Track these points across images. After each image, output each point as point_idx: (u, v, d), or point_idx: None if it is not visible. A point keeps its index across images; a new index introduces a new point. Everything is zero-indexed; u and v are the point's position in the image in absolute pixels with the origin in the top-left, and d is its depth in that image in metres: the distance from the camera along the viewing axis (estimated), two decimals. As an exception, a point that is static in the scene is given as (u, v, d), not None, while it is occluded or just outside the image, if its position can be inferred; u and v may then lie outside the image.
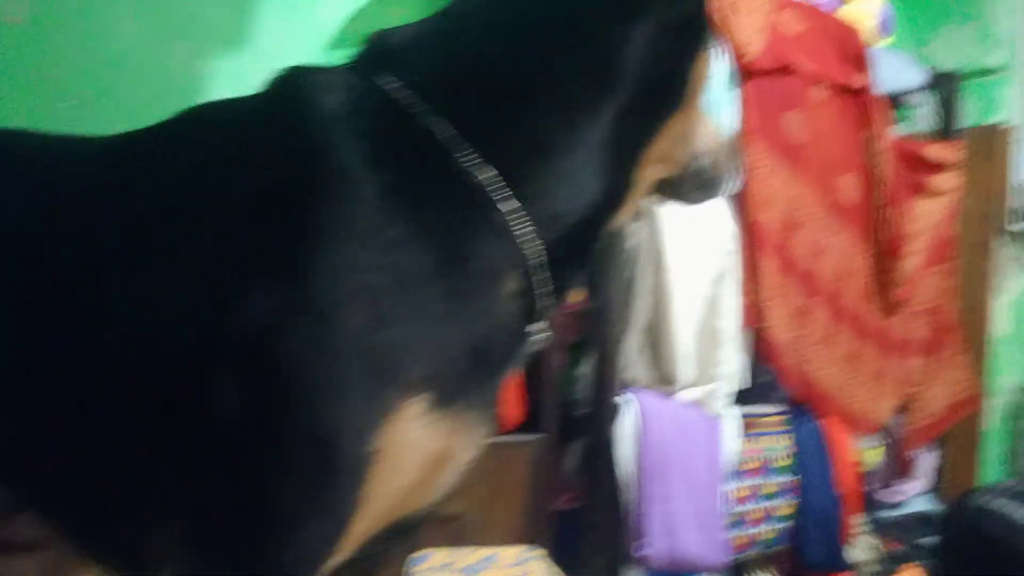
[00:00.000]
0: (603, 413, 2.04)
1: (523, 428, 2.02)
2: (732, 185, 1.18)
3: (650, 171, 1.05)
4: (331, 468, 0.79)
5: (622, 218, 1.04)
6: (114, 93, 1.75)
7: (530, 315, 0.94)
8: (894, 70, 2.78)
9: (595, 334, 2.08)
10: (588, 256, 1.02)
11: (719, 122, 1.18)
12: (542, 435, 2.03)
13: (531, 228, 0.90)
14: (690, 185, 1.12)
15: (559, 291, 0.96)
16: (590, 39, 0.94)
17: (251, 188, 0.83)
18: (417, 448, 0.84)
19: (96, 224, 0.84)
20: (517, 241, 0.89)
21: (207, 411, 0.78)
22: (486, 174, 0.87)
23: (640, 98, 0.96)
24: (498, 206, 0.88)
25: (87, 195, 0.86)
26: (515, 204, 0.88)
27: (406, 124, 0.88)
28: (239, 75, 1.89)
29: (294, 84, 0.91)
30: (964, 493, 1.79)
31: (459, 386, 0.86)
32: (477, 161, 0.87)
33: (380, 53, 0.94)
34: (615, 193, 0.98)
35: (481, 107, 0.90)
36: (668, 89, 1.00)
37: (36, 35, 1.66)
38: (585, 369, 2.12)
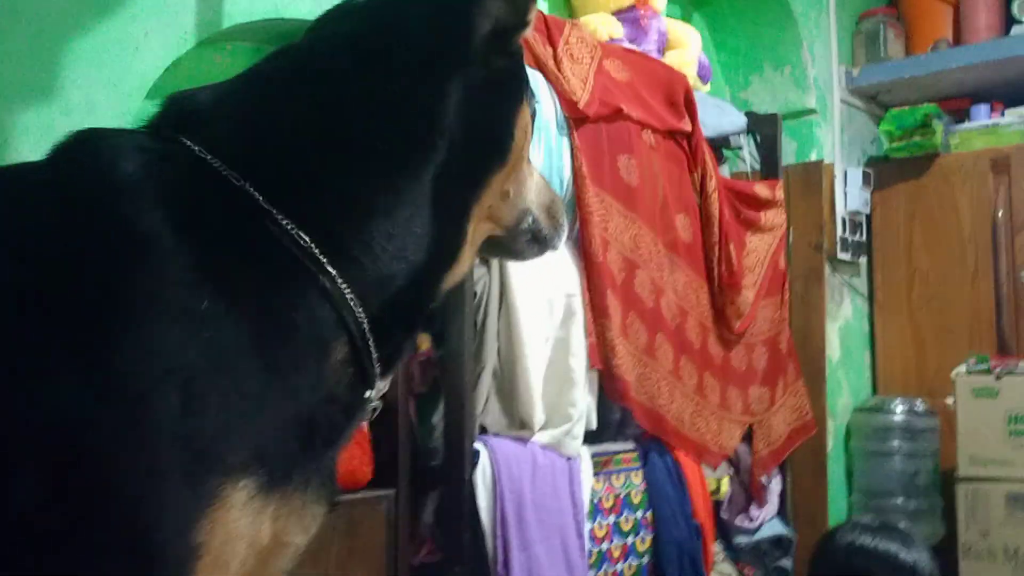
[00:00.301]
0: (457, 462, 1.99)
1: (374, 483, 1.94)
2: (562, 241, 1.18)
3: (482, 228, 1.04)
4: (149, 567, 0.71)
5: (458, 275, 1.01)
6: (-95, 153, 1.61)
7: (362, 383, 0.89)
8: (715, 114, 2.91)
9: (445, 382, 2.05)
10: (422, 317, 0.98)
11: (546, 176, 1.18)
12: (395, 489, 1.96)
13: (355, 294, 0.85)
14: (522, 241, 1.11)
15: (393, 355, 0.93)
16: (404, 98, 0.92)
17: (40, 265, 0.75)
18: (244, 538, 0.77)
19: None
20: (341, 309, 0.85)
21: (2, 511, 0.69)
22: (302, 241, 0.83)
23: (463, 155, 0.94)
24: (317, 273, 0.83)
25: None
26: (335, 270, 0.84)
27: (213, 189, 0.82)
28: (46, 130, 1.77)
29: (83, 148, 0.84)
30: (828, 533, 1.84)
31: (286, 467, 0.80)
32: (291, 228, 0.82)
33: (179, 115, 0.89)
34: (447, 252, 0.96)
35: (291, 171, 0.86)
36: (491, 145, 0.99)
37: None
38: (437, 418, 2.08)
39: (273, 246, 0.82)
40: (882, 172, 3.84)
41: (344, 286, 0.84)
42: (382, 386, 0.93)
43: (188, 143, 0.84)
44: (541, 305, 2.15)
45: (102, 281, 0.74)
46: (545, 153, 2.21)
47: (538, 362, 2.13)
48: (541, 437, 2.13)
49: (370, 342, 0.87)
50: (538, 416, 2.11)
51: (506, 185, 1.03)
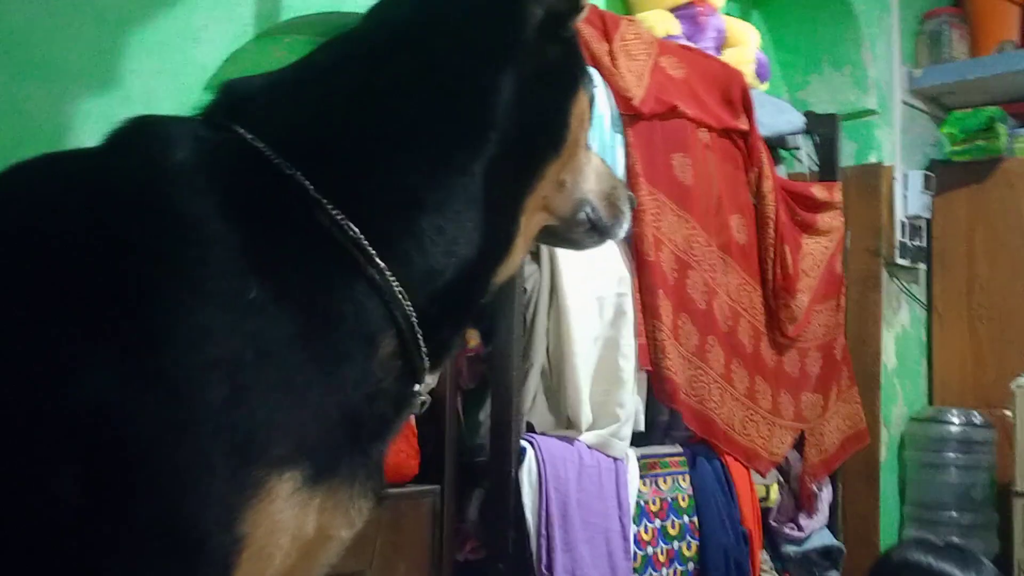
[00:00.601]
0: (503, 459, 1.98)
1: (420, 478, 1.94)
2: (623, 230, 1.14)
3: (537, 218, 1.02)
4: (191, 560, 0.70)
5: (511, 268, 0.99)
6: (-30, 138, 1.64)
7: (410, 376, 0.88)
8: (772, 113, 2.86)
9: (493, 378, 2.03)
10: (471, 311, 0.97)
11: (609, 166, 1.15)
12: (440, 485, 1.96)
13: (403, 287, 0.84)
14: (579, 230, 1.09)
15: (442, 348, 0.91)
16: (455, 89, 0.91)
17: (91, 248, 0.74)
18: (288, 531, 0.76)
19: None
20: (389, 301, 0.83)
21: (44, 504, 0.69)
22: (352, 232, 0.82)
23: (515, 146, 0.92)
24: (366, 265, 0.82)
25: None
26: (383, 263, 0.83)
27: (264, 178, 0.81)
28: (106, 119, 1.75)
29: (138, 135, 0.84)
30: (888, 550, 1.80)
31: (332, 460, 0.79)
32: (341, 219, 0.82)
33: (232, 103, 0.88)
34: (497, 245, 0.94)
35: (341, 161, 0.85)
36: (544, 135, 0.97)
37: None
38: (484, 415, 2.07)
39: (322, 236, 0.81)
40: (943, 176, 3.75)
41: (392, 278, 0.83)
42: (431, 380, 0.91)
43: (240, 131, 0.83)
44: (591, 304, 2.13)
45: (151, 267, 0.74)
46: (598, 150, 2.18)
47: (587, 361, 2.11)
48: (588, 437, 2.11)
49: (419, 335, 0.86)
50: (585, 416, 2.09)
51: (562, 175, 1.01)
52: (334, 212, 0.81)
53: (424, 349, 0.87)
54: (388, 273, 0.83)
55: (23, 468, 0.69)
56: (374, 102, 0.88)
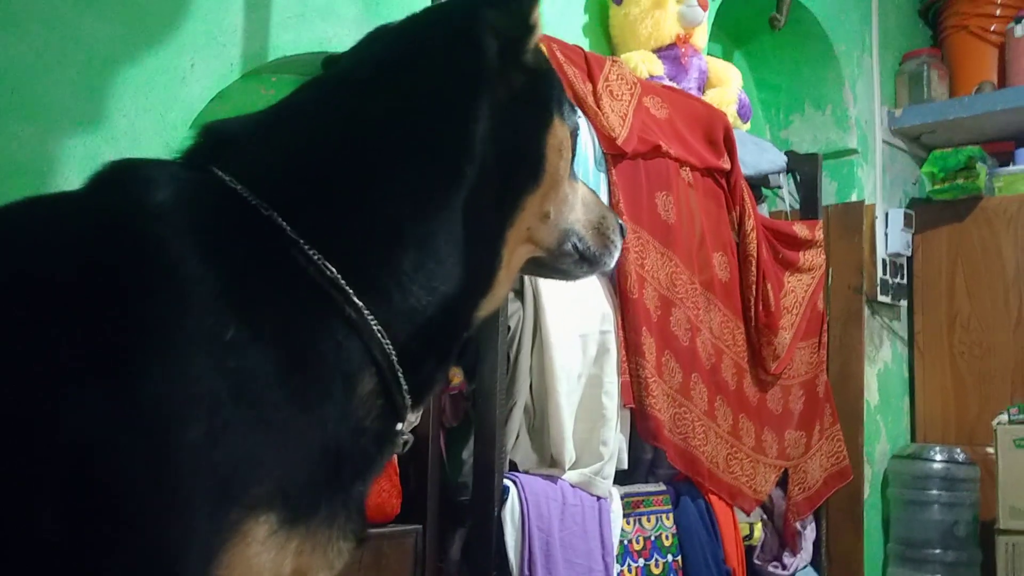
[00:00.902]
0: (486, 498, 1.97)
1: (402, 518, 1.93)
2: (613, 259, 1.14)
3: (521, 250, 1.02)
4: None
5: (494, 302, 1.00)
6: (-46, 176, 1.64)
7: (392, 415, 0.88)
8: (755, 153, 2.89)
9: (476, 416, 2.03)
10: (454, 347, 0.97)
11: (597, 195, 1.15)
12: (423, 524, 1.95)
13: (382, 324, 0.84)
14: (568, 261, 1.08)
15: (425, 386, 0.91)
16: (426, 124, 0.92)
17: (71, 288, 0.74)
18: (266, 573, 0.76)
19: None
20: (368, 340, 0.84)
21: (21, 541, 0.68)
22: (328, 272, 0.82)
23: (492, 178, 0.93)
24: (344, 304, 0.83)
25: None
26: (361, 301, 0.83)
27: (242, 219, 0.82)
28: (91, 158, 1.79)
29: (119, 177, 0.85)
30: None
31: (311, 500, 0.79)
32: (318, 258, 0.82)
33: (212, 146, 0.90)
34: (479, 280, 0.94)
35: (317, 201, 0.86)
36: (521, 166, 0.97)
37: None
38: (467, 453, 2.06)
39: (299, 276, 0.82)
40: (924, 214, 3.80)
41: (371, 316, 0.84)
42: (413, 418, 0.91)
43: (219, 173, 0.84)
44: (575, 341, 2.13)
45: (130, 306, 0.74)
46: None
47: (570, 399, 2.11)
48: (571, 476, 2.10)
49: (399, 373, 0.86)
50: (569, 454, 2.09)
51: (544, 206, 1.01)
52: (311, 251, 0.82)
53: (405, 387, 0.87)
54: (366, 311, 0.83)
55: (5, 502, 0.68)
56: (347, 141, 0.89)
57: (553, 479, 2.08)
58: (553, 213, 1.03)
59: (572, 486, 2.10)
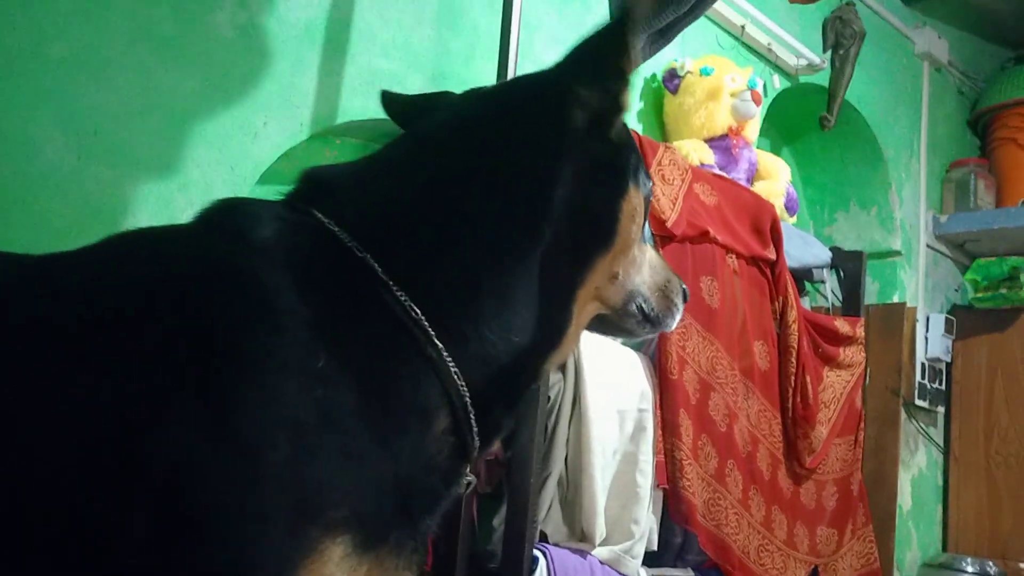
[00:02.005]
0: (515, 567, 1.97)
1: (430, 580, 1.93)
2: (675, 321, 1.18)
3: (589, 308, 1.07)
4: None
5: (562, 355, 1.04)
6: (34, 213, 1.72)
7: (461, 456, 0.92)
8: (800, 246, 2.92)
9: (510, 484, 2.04)
10: (522, 395, 1.01)
11: (662, 258, 1.20)
12: (450, 589, 1.95)
13: (459, 367, 0.89)
14: (631, 321, 1.14)
15: (490, 432, 0.95)
16: (511, 185, 0.98)
17: (175, 314, 0.80)
18: None
19: (8, 341, 0.79)
20: (445, 380, 0.89)
21: (115, 548, 0.73)
22: (414, 313, 0.88)
23: (568, 239, 0.99)
24: (426, 344, 0.88)
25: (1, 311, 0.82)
26: (442, 343, 0.88)
27: (337, 258, 0.88)
28: (164, 203, 1.87)
29: (226, 214, 0.92)
30: None
31: (382, 528, 0.82)
32: (405, 300, 0.88)
33: (312, 190, 0.96)
34: (550, 333, 0.99)
35: (409, 248, 0.92)
36: (596, 230, 1.03)
37: (-42, 147, 1.63)
38: (498, 521, 2.07)
39: (387, 315, 0.87)
40: (965, 321, 3.78)
41: (449, 359, 0.88)
42: (471, 466, 0.95)
43: (318, 215, 0.90)
44: (613, 416, 2.15)
45: (229, 333, 0.79)
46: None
47: (604, 474, 2.12)
48: (601, 552, 2.10)
49: (471, 415, 0.90)
50: (600, 529, 2.09)
51: (614, 268, 1.06)
52: (399, 294, 0.88)
53: (476, 428, 0.91)
54: (445, 353, 0.88)
55: (100, 508, 0.73)
56: (438, 195, 0.95)
57: (583, 553, 2.07)
58: (621, 275, 1.08)
59: (601, 563, 2.09)
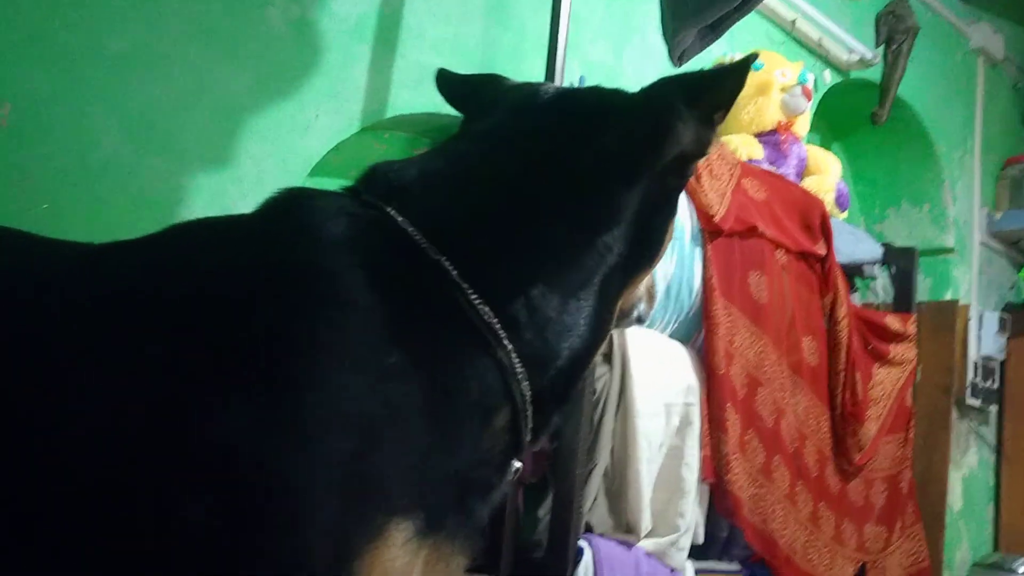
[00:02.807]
0: (560, 557, 1.98)
1: (475, 567, 1.95)
2: (647, 316, 1.26)
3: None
4: None
5: (597, 355, 1.08)
6: (91, 202, 1.76)
7: (515, 449, 0.94)
8: (850, 242, 2.89)
9: (556, 475, 2.05)
10: (572, 394, 1.04)
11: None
12: (496, 577, 1.96)
13: (524, 368, 0.92)
14: (627, 321, 1.20)
15: (541, 427, 0.97)
16: (589, 201, 1.00)
17: (245, 304, 0.82)
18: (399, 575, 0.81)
19: (74, 325, 0.81)
20: (509, 380, 0.91)
21: (179, 532, 0.74)
22: (486, 316, 0.90)
23: (626, 255, 1.03)
24: (495, 346, 0.90)
25: (67, 297, 0.84)
26: (511, 345, 0.91)
27: (410, 258, 0.90)
28: (217, 195, 1.91)
29: (294, 204, 0.93)
30: None
31: (440, 516, 0.84)
32: (479, 302, 0.90)
33: (382, 184, 0.96)
34: (599, 337, 1.03)
35: (483, 251, 0.93)
36: (648, 249, 1.08)
37: (17, 138, 1.67)
38: (543, 511, 2.08)
39: (459, 316, 0.89)
40: (1019, 319, 3.71)
41: (516, 360, 0.91)
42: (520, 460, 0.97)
43: (392, 212, 0.91)
44: (659, 410, 2.15)
45: (301, 327, 0.81)
46: (677, 262, 2.25)
47: (650, 467, 2.12)
48: (646, 544, 2.10)
49: (529, 413, 0.93)
50: (645, 522, 2.09)
51: (643, 280, 1.14)
52: (472, 296, 0.89)
53: (531, 425, 0.93)
54: (514, 355, 0.91)
55: (163, 492, 0.75)
56: (515, 203, 0.97)
57: (628, 545, 2.07)
58: (639, 284, 1.15)
59: (647, 554, 2.09)
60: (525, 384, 0.91)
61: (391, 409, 0.81)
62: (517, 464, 0.96)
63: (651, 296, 1.24)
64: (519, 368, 0.91)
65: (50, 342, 0.80)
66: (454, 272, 0.89)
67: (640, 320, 1.23)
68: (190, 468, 0.75)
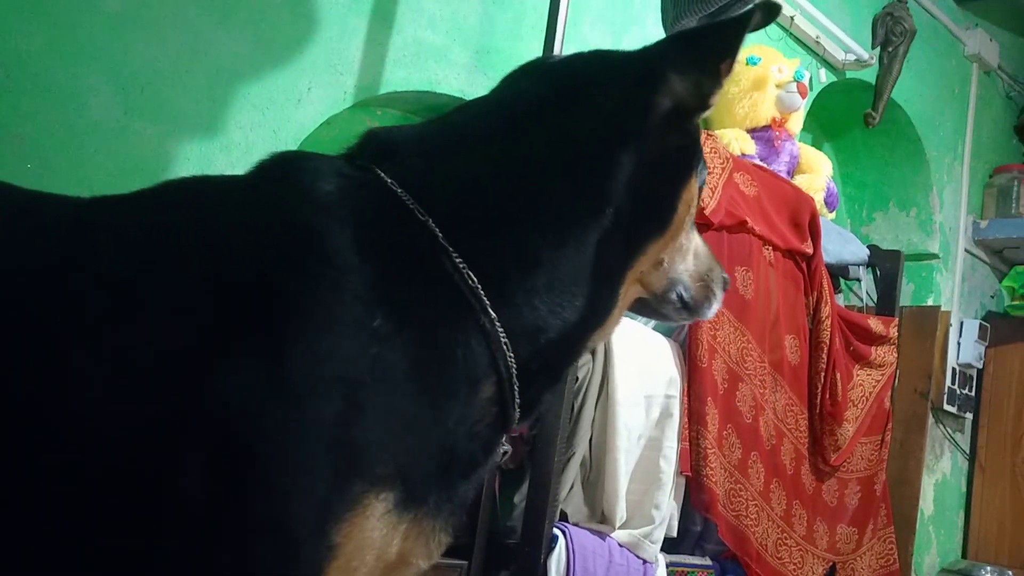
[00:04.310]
0: (534, 544, 1.98)
1: (448, 552, 1.94)
2: (712, 311, 1.17)
3: (632, 291, 1.06)
4: (287, 559, 0.75)
5: (604, 335, 1.04)
6: (77, 164, 1.73)
7: (501, 426, 0.92)
8: (838, 242, 2.90)
9: (533, 462, 2.05)
10: (564, 371, 1.01)
11: (708, 247, 1.18)
12: (468, 561, 1.96)
13: (509, 338, 0.89)
14: (669, 307, 1.12)
15: (533, 402, 0.95)
16: (580, 164, 0.96)
17: (235, 265, 0.81)
18: (375, 549, 0.80)
19: (66, 285, 0.80)
20: (495, 349, 0.88)
21: (167, 485, 0.74)
22: (471, 281, 0.87)
23: (626, 222, 0.97)
24: (480, 313, 0.88)
25: (58, 254, 0.82)
26: (495, 313, 0.88)
27: (399, 220, 0.88)
28: (206, 162, 1.88)
29: (287, 166, 0.92)
30: None
31: (423, 490, 0.83)
32: (463, 267, 0.87)
33: (375, 148, 0.95)
34: (597, 312, 0.98)
35: (470, 216, 0.91)
36: (654, 216, 1.01)
37: (7, 95, 1.64)
38: (519, 498, 2.07)
39: (445, 280, 0.87)
40: (999, 328, 3.74)
41: (500, 329, 0.88)
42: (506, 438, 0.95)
43: (382, 175, 0.90)
44: (639, 401, 2.14)
45: (287, 286, 0.79)
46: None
47: (628, 458, 2.12)
48: (620, 535, 2.10)
49: (515, 386, 0.90)
50: (620, 512, 2.09)
51: (661, 254, 1.05)
52: (458, 260, 0.87)
53: (518, 400, 0.91)
54: (498, 323, 0.88)
55: (156, 450, 0.74)
56: (504, 166, 0.94)
57: (602, 535, 2.07)
58: (667, 262, 1.07)
59: (620, 545, 2.09)
60: (510, 355, 0.89)
61: (376, 373, 0.79)
62: (506, 446, 0.95)
63: (707, 287, 1.14)
64: (504, 337, 0.88)
65: (43, 295, 0.79)
66: (441, 236, 0.87)
67: (688, 308, 1.13)
68: (183, 430, 0.74)
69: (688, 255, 1.11)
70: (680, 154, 1.03)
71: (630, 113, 0.98)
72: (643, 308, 1.12)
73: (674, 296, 1.10)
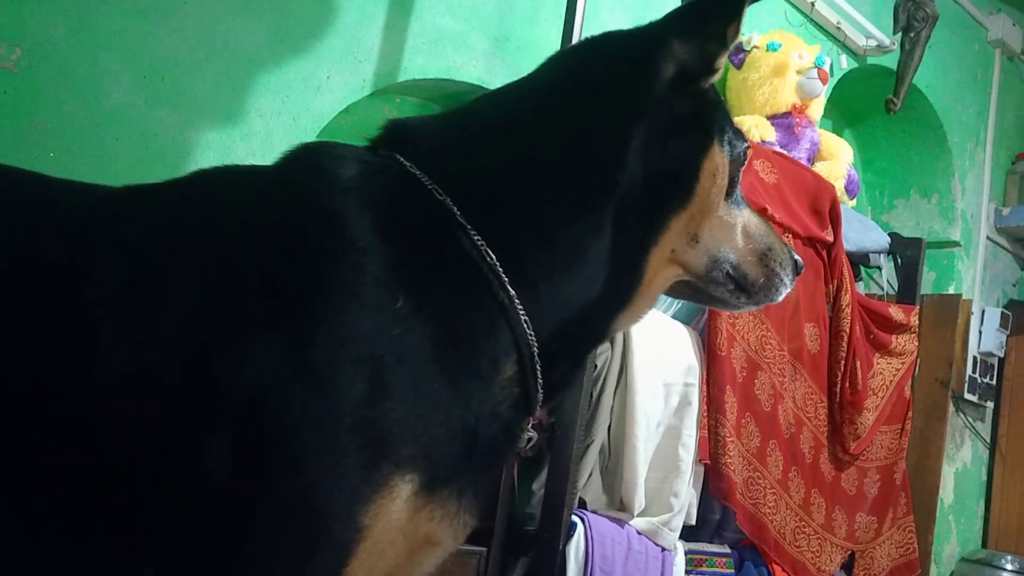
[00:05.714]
0: (553, 531, 1.98)
1: (468, 538, 1.95)
2: (779, 294, 1.10)
3: (667, 272, 1.02)
4: (315, 541, 0.76)
5: (632, 317, 1.01)
6: (99, 151, 1.74)
7: (524, 408, 0.91)
8: (858, 230, 2.88)
9: (553, 450, 2.05)
10: (587, 352, 1.01)
11: (768, 226, 1.11)
12: (488, 548, 1.97)
13: (529, 316, 0.89)
14: (721, 289, 1.06)
15: (557, 384, 0.94)
16: (590, 136, 0.96)
17: (261, 249, 0.82)
18: (402, 530, 0.80)
19: (99, 269, 0.81)
20: (515, 327, 0.88)
21: (195, 464, 0.75)
22: (489, 258, 0.88)
23: (642, 194, 0.95)
24: (499, 290, 0.88)
25: (89, 240, 0.84)
26: (514, 290, 0.88)
27: (418, 200, 0.89)
28: (226, 151, 1.89)
29: (311, 154, 0.93)
30: None
31: (448, 471, 0.83)
32: (482, 244, 0.88)
33: (395, 137, 0.96)
34: (619, 290, 0.96)
35: (487, 194, 0.92)
36: (671, 186, 0.98)
37: (28, 83, 1.65)
38: (538, 485, 2.08)
39: (464, 259, 0.87)
40: (1021, 317, 3.71)
41: (520, 307, 0.88)
42: (540, 413, 0.94)
43: (400, 158, 0.91)
44: (658, 389, 2.14)
45: (311, 270, 0.80)
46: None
47: (647, 446, 2.12)
48: (639, 523, 2.10)
49: (537, 366, 0.90)
50: (639, 500, 2.09)
51: (691, 228, 1.01)
52: (476, 238, 0.88)
53: (540, 381, 0.90)
54: (517, 301, 0.88)
55: (183, 430, 0.75)
56: (518, 143, 0.95)
57: (620, 523, 2.08)
58: (703, 237, 1.02)
59: (638, 533, 2.09)
60: (531, 334, 0.88)
61: (399, 354, 0.80)
62: (531, 433, 0.95)
63: (766, 267, 1.06)
64: (523, 315, 0.88)
65: (80, 280, 0.80)
66: (459, 214, 0.88)
67: (750, 293, 1.06)
68: (208, 410, 0.75)
69: (733, 232, 1.05)
70: (695, 121, 0.99)
71: (634, 82, 0.98)
72: (695, 293, 1.08)
73: (720, 276, 1.04)
